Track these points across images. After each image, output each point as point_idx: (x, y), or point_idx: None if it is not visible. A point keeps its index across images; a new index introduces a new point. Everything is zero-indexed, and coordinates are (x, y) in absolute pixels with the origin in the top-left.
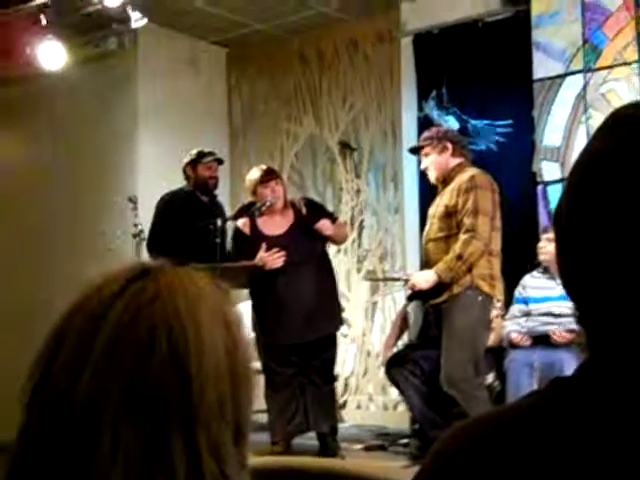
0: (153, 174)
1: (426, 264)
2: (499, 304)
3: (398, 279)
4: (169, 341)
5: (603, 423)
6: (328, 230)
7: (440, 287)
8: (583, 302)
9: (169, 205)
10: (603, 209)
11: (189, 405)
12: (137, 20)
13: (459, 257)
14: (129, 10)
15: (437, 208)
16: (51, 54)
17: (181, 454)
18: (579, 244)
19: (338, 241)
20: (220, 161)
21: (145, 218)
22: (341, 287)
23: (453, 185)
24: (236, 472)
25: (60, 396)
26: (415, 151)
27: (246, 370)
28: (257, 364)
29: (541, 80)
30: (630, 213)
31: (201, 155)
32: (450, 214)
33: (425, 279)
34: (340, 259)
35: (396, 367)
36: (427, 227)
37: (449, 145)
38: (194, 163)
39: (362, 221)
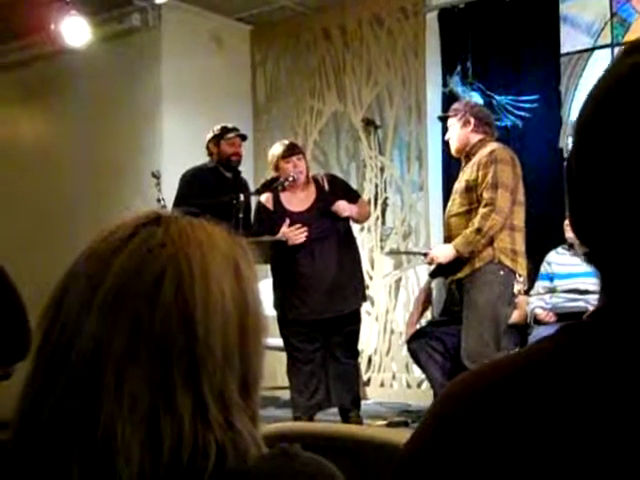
0: (176, 150)
1: (448, 239)
2: (521, 279)
3: (417, 253)
4: (176, 287)
5: (620, 368)
6: (345, 212)
7: (462, 262)
8: (597, 246)
9: (193, 180)
10: (615, 140)
11: (193, 352)
12: None
13: (478, 231)
14: None
15: (459, 184)
16: (75, 31)
17: (186, 399)
18: (591, 183)
19: (360, 220)
20: (244, 137)
21: (168, 194)
22: (364, 265)
23: (474, 160)
24: (243, 423)
25: (67, 340)
26: (444, 120)
27: (256, 322)
28: (279, 341)
29: (568, 54)
30: None
31: (225, 131)
32: (471, 189)
33: (444, 253)
34: (364, 237)
35: (418, 343)
36: (450, 203)
37: (472, 120)
38: (217, 139)
39: (386, 198)
